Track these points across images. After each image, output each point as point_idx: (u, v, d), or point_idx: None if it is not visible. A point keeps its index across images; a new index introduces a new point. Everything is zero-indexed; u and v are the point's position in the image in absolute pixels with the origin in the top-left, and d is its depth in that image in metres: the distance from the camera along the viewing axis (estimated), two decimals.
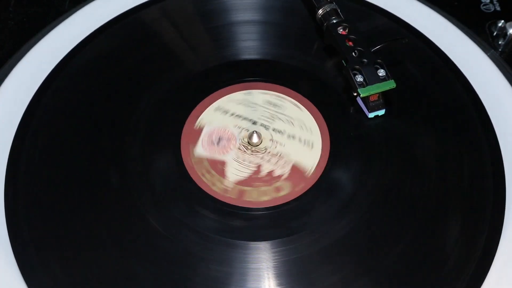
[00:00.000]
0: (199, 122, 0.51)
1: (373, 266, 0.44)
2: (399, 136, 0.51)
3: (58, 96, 0.52)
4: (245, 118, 0.51)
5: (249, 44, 0.56)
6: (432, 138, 0.51)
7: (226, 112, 0.52)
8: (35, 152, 0.49)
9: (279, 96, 0.53)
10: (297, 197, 0.47)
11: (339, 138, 0.50)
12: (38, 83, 0.53)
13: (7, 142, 0.49)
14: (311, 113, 0.52)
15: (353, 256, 0.44)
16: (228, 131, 0.51)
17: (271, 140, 0.50)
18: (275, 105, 0.52)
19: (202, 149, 0.50)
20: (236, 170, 0.49)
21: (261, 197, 0.47)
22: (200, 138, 0.50)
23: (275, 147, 0.50)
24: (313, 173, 0.48)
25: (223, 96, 0.53)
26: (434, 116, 0.52)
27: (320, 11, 0.53)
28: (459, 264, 0.44)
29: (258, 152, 0.50)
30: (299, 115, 0.52)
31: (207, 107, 0.52)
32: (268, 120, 0.51)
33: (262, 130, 0.51)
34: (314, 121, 0.51)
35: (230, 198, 0.47)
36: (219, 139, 0.50)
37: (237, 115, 0.52)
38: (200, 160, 0.49)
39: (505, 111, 0.53)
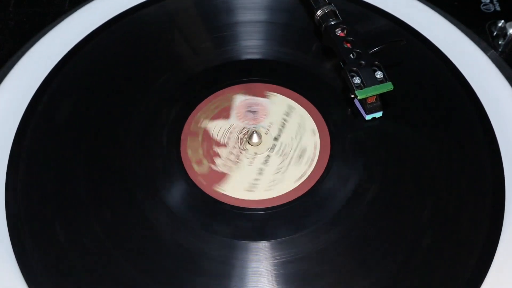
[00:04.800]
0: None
1: (372, 266, 0.44)
2: (397, 138, 0.50)
3: (58, 95, 0.52)
4: (275, 126, 0.52)
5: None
6: (431, 139, 0.50)
7: (288, 114, 0.52)
8: (35, 151, 0.49)
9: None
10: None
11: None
12: (37, 83, 0.53)
13: (7, 142, 0.49)
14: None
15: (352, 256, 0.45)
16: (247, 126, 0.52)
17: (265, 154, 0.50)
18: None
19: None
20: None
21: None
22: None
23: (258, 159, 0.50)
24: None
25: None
26: (433, 117, 0.51)
27: (319, 13, 0.53)
28: (458, 264, 0.44)
29: (244, 150, 0.50)
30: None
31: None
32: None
33: (267, 139, 0.51)
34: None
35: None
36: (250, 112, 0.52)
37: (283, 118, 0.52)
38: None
39: (505, 111, 0.52)
